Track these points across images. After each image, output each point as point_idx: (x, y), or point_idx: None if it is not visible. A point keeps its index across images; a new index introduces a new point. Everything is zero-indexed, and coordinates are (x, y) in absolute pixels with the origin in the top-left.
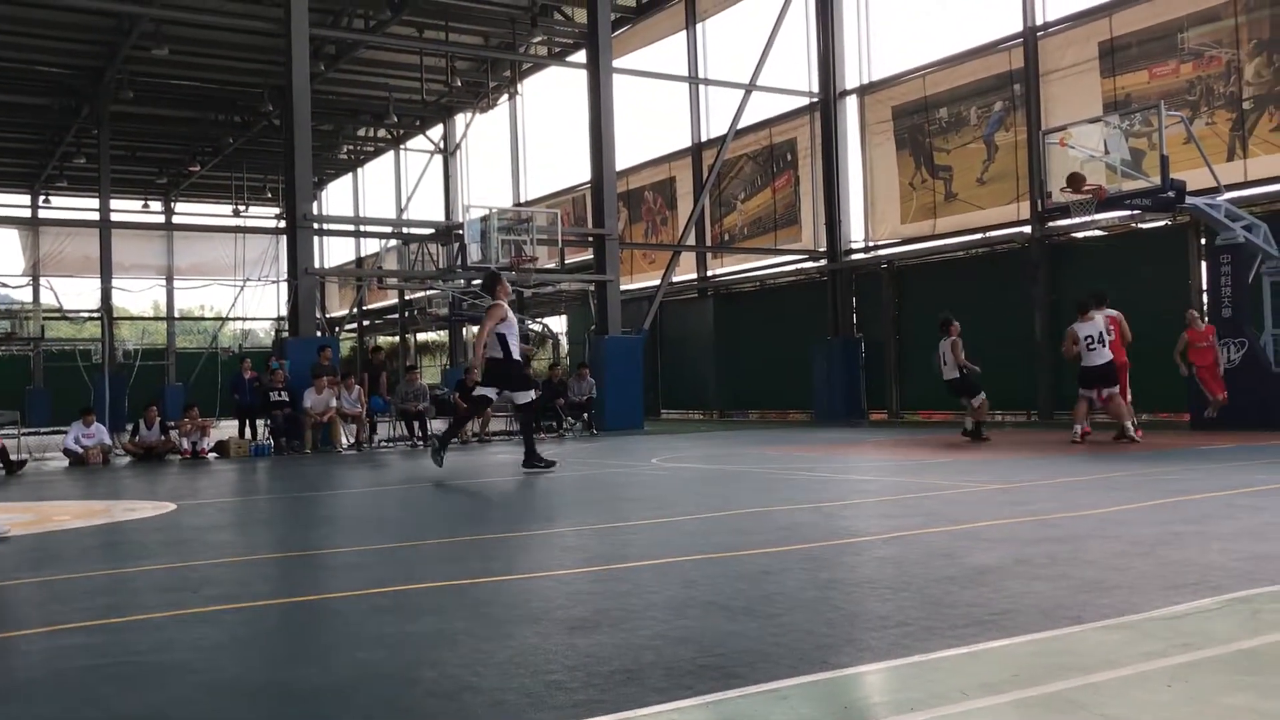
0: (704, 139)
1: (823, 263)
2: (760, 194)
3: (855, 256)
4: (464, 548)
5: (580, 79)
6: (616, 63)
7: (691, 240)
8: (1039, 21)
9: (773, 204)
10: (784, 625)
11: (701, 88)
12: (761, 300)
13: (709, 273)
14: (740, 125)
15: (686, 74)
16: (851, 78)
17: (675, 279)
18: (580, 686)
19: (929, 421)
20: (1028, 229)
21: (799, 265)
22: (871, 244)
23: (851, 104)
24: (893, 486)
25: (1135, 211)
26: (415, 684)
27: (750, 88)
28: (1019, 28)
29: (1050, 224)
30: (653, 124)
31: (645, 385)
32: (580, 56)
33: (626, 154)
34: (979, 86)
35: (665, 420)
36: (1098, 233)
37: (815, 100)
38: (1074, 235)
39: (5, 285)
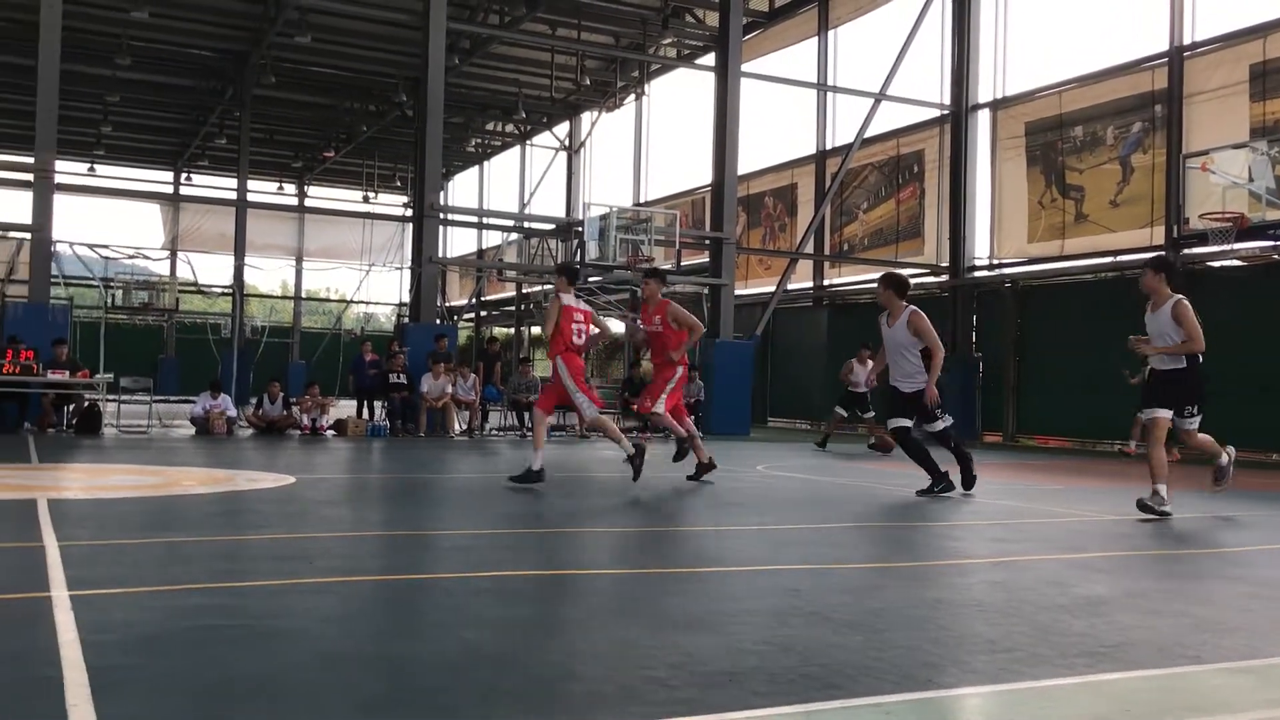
0: (829, 146)
1: (944, 278)
2: (883, 205)
3: (978, 274)
4: (566, 539)
5: (707, 82)
6: (745, 67)
7: (810, 248)
8: (1186, 41)
9: (896, 215)
10: (888, 641)
11: (829, 95)
12: (878, 313)
13: (825, 282)
14: (867, 134)
15: (815, 81)
16: (985, 92)
17: (791, 286)
18: (681, 685)
19: (1045, 447)
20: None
21: (919, 279)
22: (996, 261)
23: (983, 118)
24: (1004, 510)
25: (1278, 242)
26: (518, 667)
27: (880, 97)
28: (1164, 47)
29: (1186, 250)
30: (777, 129)
31: (753, 392)
32: (709, 59)
33: (749, 158)
34: (1118, 105)
35: (771, 428)
36: (1237, 262)
37: (946, 113)
38: (1210, 264)
39: (146, 257)
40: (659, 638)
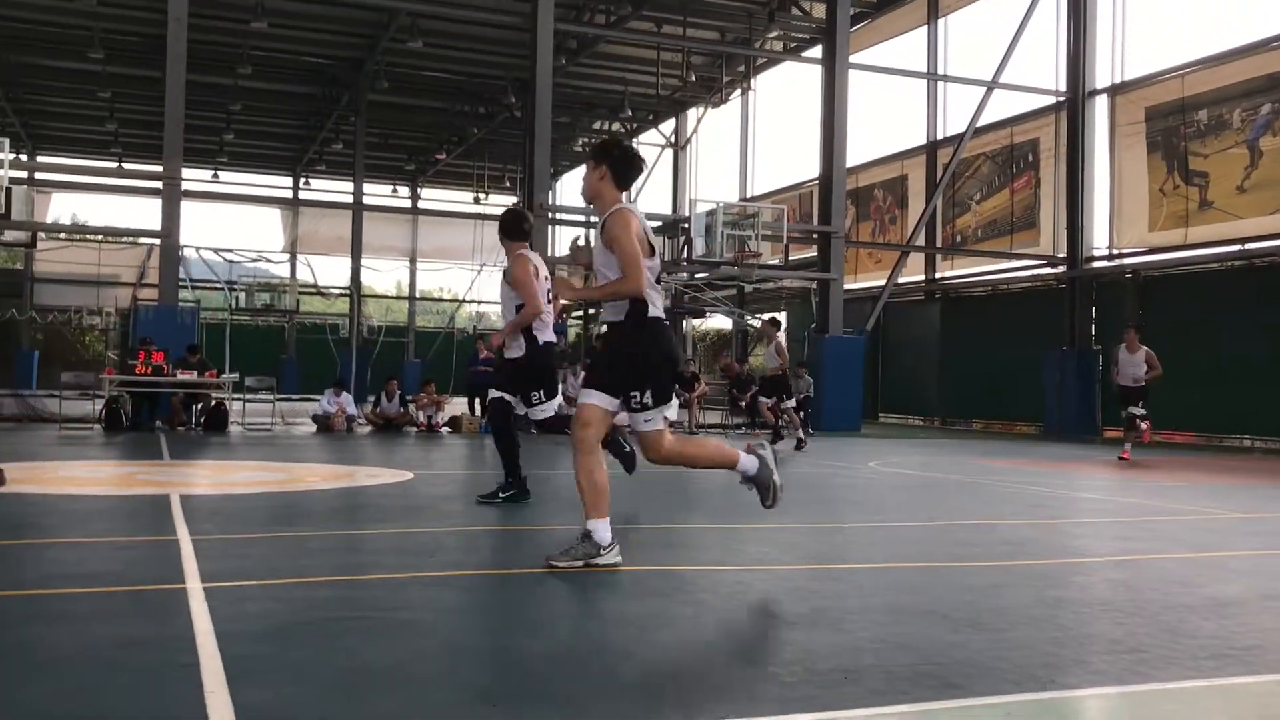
0: (940, 136)
1: (1061, 269)
2: (997, 195)
3: (1097, 264)
4: (679, 534)
5: (814, 75)
6: (853, 58)
7: (921, 241)
8: None
9: (1010, 206)
10: (1008, 640)
11: (939, 84)
12: (992, 306)
13: (938, 275)
14: (980, 123)
15: (925, 70)
16: (1102, 76)
17: (901, 280)
18: (797, 682)
19: (1169, 442)
20: None
21: (1035, 271)
22: (1115, 252)
23: (1101, 104)
24: (1127, 508)
25: None
26: (635, 661)
27: (992, 85)
28: None
29: None
30: (886, 120)
31: (864, 387)
32: (816, 52)
33: (857, 150)
34: (1245, 87)
35: (883, 424)
36: None
37: (1062, 99)
38: None
39: (268, 260)
40: (773, 634)
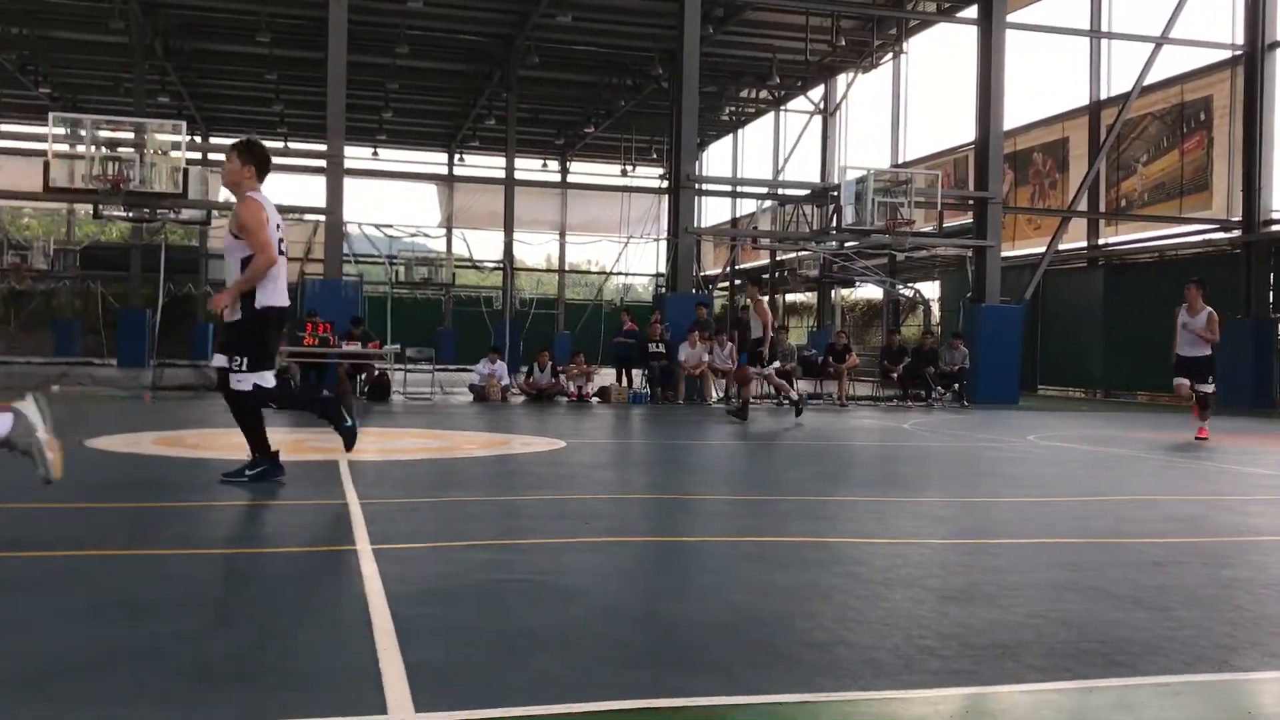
0: (1103, 96)
1: (1236, 234)
2: (1165, 156)
3: (1276, 228)
4: (830, 506)
5: (969, 35)
6: (1010, 17)
7: (1083, 206)
8: None
9: (1180, 168)
10: (1177, 620)
11: (1103, 42)
12: (1160, 273)
13: (1100, 241)
14: (1146, 82)
15: (1088, 28)
16: None
17: (1062, 247)
18: (954, 655)
19: None
20: None
21: (1207, 235)
22: None
23: None
24: None
25: None
26: (789, 631)
27: (1161, 41)
28: None
29: None
30: (1045, 81)
31: (1022, 358)
32: (971, 11)
33: (1015, 113)
34: None
35: (1042, 396)
36: None
37: (1239, 53)
38: None
39: (425, 235)
40: (928, 607)
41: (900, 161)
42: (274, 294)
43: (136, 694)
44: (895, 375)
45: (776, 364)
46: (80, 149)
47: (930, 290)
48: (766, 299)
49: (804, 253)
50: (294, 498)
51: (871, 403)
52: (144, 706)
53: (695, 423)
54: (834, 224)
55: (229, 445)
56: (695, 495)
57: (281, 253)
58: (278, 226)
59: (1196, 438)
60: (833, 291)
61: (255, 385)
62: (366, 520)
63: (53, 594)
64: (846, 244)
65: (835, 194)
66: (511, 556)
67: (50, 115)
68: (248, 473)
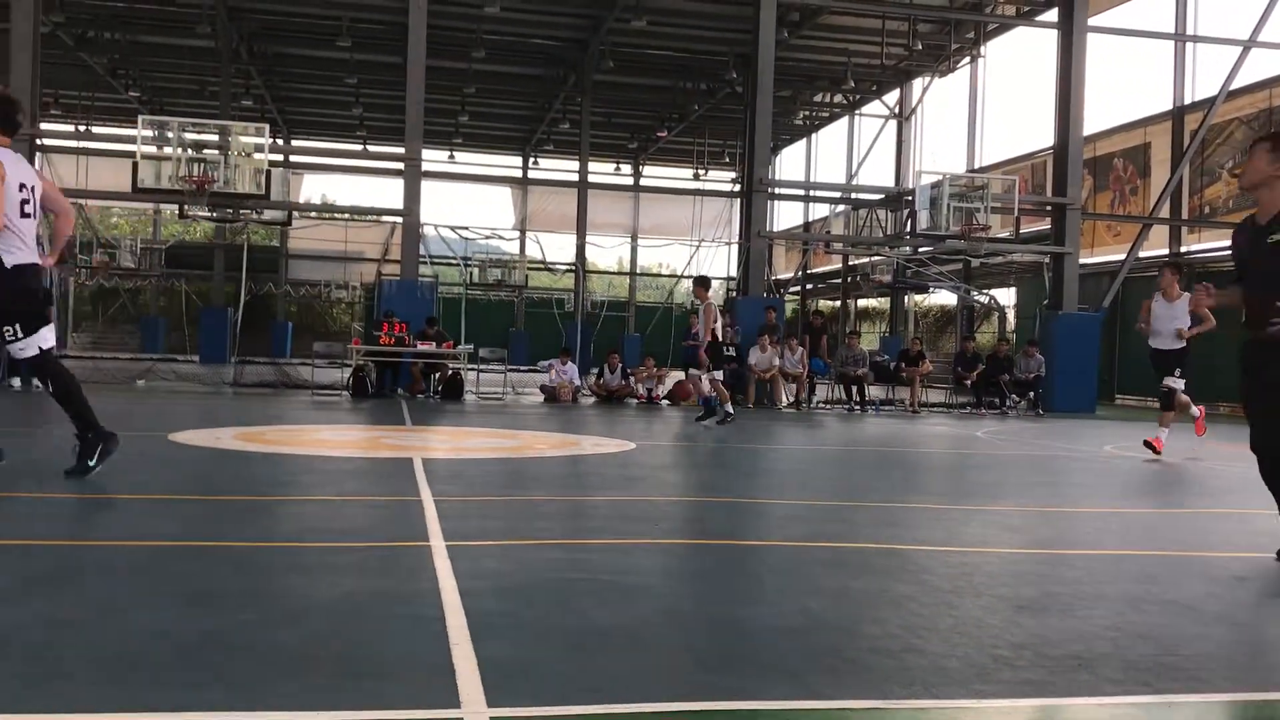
0: (1187, 101)
1: None
2: None
3: None
4: (901, 513)
5: (1049, 39)
6: (1091, 20)
7: (1165, 212)
8: None
9: None
10: (1262, 637)
11: (1188, 45)
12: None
13: (1183, 248)
14: (1233, 86)
15: (1173, 30)
16: None
17: (1143, 254)
18: (1028, 665)
19: None
20: None
21: None
22: None
23: None
24: None
25: None
26: (859, 637)
27: (1249, 44)
28: None
29: None
30: (1127, 84)
31: (1100, 366)
32: (1051, 15)
33: (1095, 117)
34: None
35: (1120, 406)
36: None
37: None
38: None
39: (499, 237)
40: (1001, 616)
41: (976, 166)
42: (22, 253)
43: (214, 680)
44: (969, 382)
45: (719, 374)
46: (167, 151)
47: (1006, 297)
48: (714, 299)
49: (877, 258)
50: (370, 492)
51: (944, 410)
52: (220, 691)
53: (764, 427)
54: (908, 229)
55: (309, 441)
56: (764, 499)
57: (26, 214)
58: (24, 186)
59: (1147, 443)
60: (905, 297)
61: (39, 348)
62: (440, 516)
63: (139, 581)
64: (920, 249)
65: (910, 199)
66: (582, 556)
67: (140, 118)
68: (89, 463)
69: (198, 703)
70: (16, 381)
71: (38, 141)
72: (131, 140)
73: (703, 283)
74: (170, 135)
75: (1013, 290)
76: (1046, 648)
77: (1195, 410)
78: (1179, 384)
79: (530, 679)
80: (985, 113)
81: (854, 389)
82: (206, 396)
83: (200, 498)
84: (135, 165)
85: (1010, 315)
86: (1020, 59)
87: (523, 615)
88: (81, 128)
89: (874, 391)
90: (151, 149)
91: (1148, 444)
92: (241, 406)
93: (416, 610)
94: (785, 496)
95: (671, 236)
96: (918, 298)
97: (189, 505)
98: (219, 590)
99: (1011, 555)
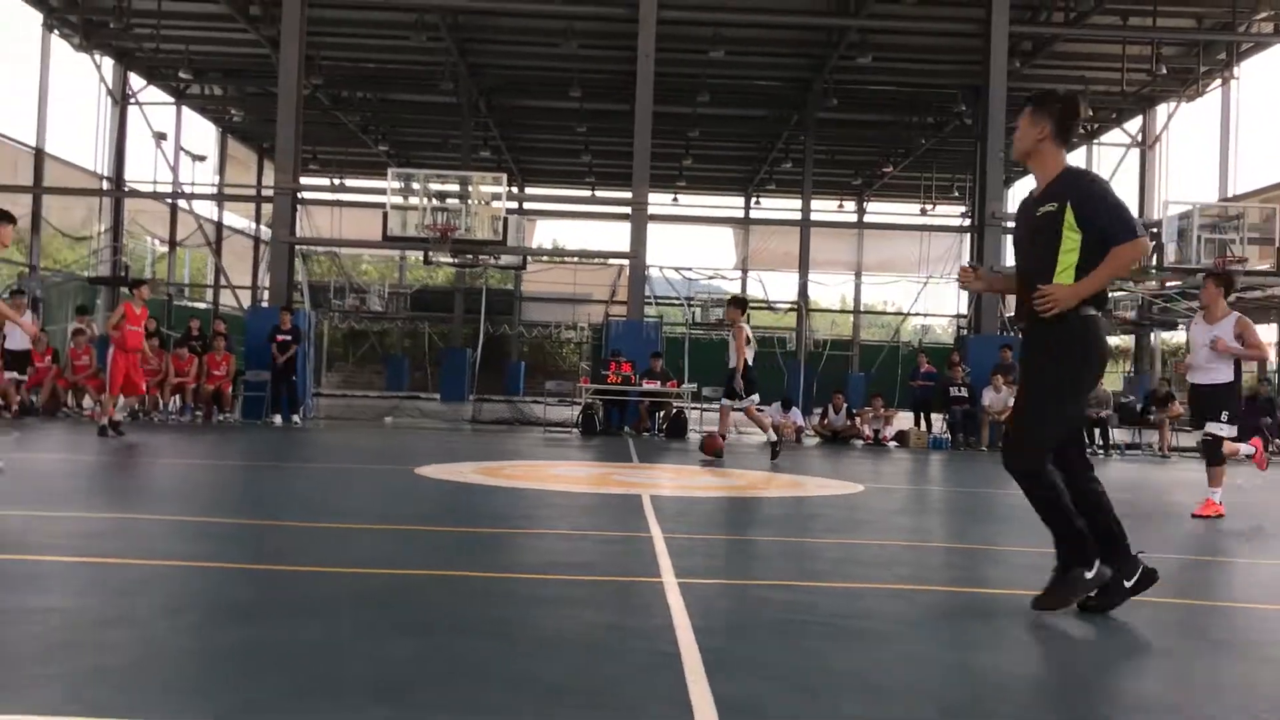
0: None
1: None
2: None
3: None
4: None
5: None
6: None
7: None
8: None
9: None
10: None
11: None
12: None
13: None
14: None
15: None
16: None
17: None
18: None
19: None
20: None
21: None
22: None
23: None
24: None
25: None
26: (1109, 693)
27: None
28: None
29: None
30: None
31: None
32: None
33: None
34: None
35: None
36: None
37: None
38: None
39: (722, 277)
40: (1260, 673)
41: (1230, 194)
42: None
43: (467, 706)
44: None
45: (755, 397)
46: (413, 201)
47: (1266, 334)
48: (747, 325)
49: (1119, 293)
50: (602, 528)
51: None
52: (472, 717)
53: (1000, 470)
54: (1154, 262)
55: (544, 476)
56: (1003, 546)
57: None
58: None
59: (1195, 515)
60: (1152, 335)
61: None
62: (670, 553)
63: (389, 608)
64: (1168, 284)
65: (1155, 230)
66: (812, 598)
67: (389, 171)
68: None
69: None
70: (278, 419)
71: (298, 195)
72: (381, 192)
73: (737, 304)
74: (416, 186)
75: (1275, 326)
76: None
77: (1248, 447)
78: (1228, 431)
79: (766, 718)
80: (1239, 136)
81: (1096, 431)
82: (448, 433)
83: (443, 529)
84: (385, 215)
85: (1272, 354)
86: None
87: (755, 654)
88: (336, 181)
89: (1118, 434)
90: (399, 199)
91: (1197, 516)
92: (480, 442)
93: (653, 645)
94: (1024, 544)
95: (897, 273)
96: (1165, 335)
97: (433, 536)
98: (464, 618)
99: (1271, 611)
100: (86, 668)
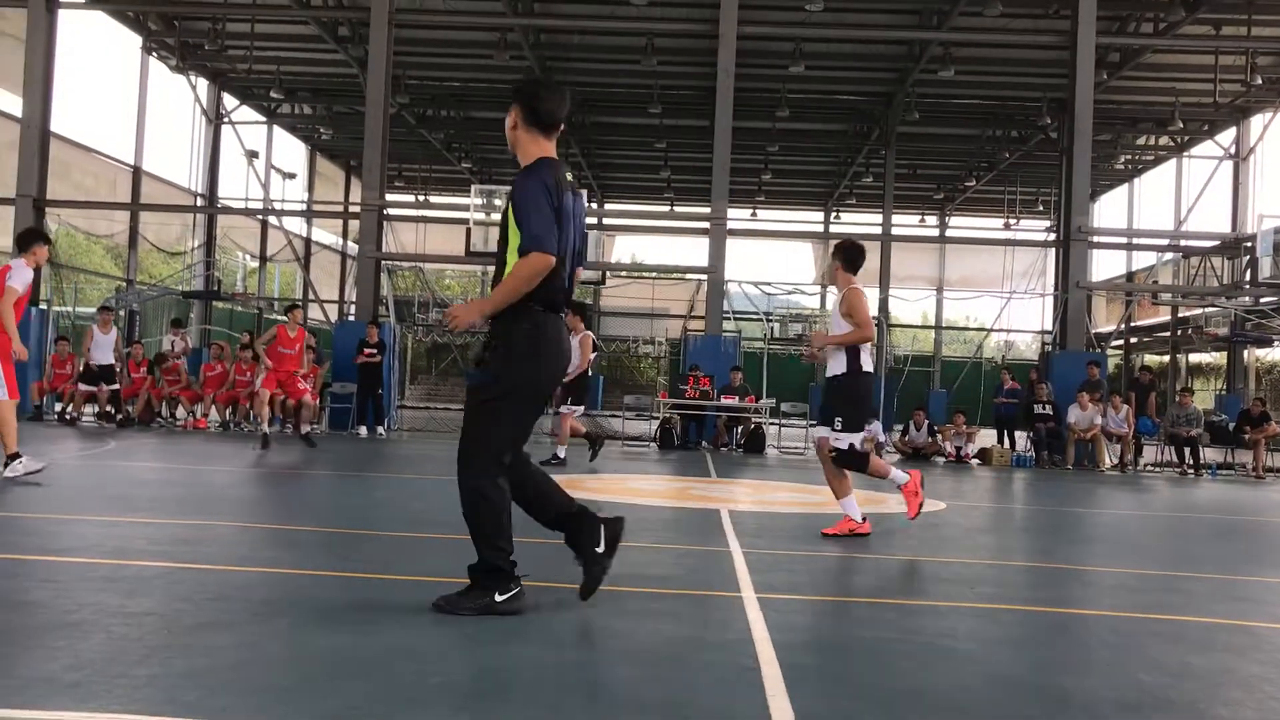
0: None
1: None
2: None
3: None
4: (1251, 588)
5: None
6: None
7: None
8: None
9: None
10: None
11: None
12: None
13: None
14: None
15: None
16: None
17: None
18: None
19: None
20: None
21: None
22: None
23: None
24: None
25: None
26: (1203, 718)
27: None
28: None
29: None
30: None
31: None
32: None
33: None
34: None
35: None
36: None
37: None
38: None
39: (801, 292)
40: None
41: None
42: None
43: (549, 715)
44: None
45: (580, 407)
46: (495, 217)
47: None
48: (586, 331)
49: (1211, 309)
50: (682, 541)
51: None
52: None
53: (1085, 489)
54: (1248, 278)
55: (623, 489)
56: (1088, 566)
57: None
58: None
59: None
60: (1245, 352)
61: None
62: (749, 568)
63: (475, 618)
64: (1263, 299)
65: (1249, 245)
66: (894, 616)
67: (472, 187)
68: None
69: None
70: (363, 430)
71: (384, 211)
72: (464, 208)
73: (577, 309)
74: (498, 202)
75: None
76: None
77: None
78: None
79: None
80: None
81: (1186, 451)
82: (529, 445)
83: (530, 540)
84: (468, 231)
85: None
86: None
87: (836, 671)
88: (420, 197)
89: (1210, 454)
90: (482, 215)
91: None
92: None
93: (733, 659)
94: (1111, 564)
95: (980, 288)
96: (1259, 353)
97: (520, 547)
98: (551, 629)
99: None
100: (181, 670)
